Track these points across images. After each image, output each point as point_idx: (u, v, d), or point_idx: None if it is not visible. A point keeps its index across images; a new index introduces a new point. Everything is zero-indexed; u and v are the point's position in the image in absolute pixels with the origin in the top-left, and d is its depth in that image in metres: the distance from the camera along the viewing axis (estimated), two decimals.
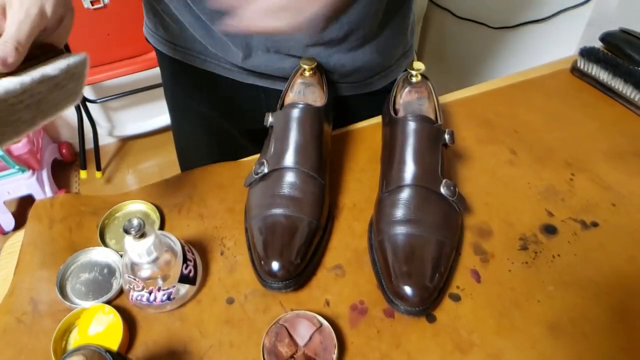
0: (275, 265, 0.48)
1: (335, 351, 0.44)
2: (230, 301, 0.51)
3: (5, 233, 1.67)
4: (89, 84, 1.74)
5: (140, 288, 0.47)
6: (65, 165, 1.93)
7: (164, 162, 1.94)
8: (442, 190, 0.52)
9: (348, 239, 0.55)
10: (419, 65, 0.59)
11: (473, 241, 0.54)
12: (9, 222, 1.66)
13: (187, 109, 0.78)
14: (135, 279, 0.46)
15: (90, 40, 1.55)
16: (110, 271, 0.53)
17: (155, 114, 1.98)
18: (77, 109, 1.76)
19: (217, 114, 0.76)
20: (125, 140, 2.04)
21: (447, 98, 0.73)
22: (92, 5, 1.46)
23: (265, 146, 0.58)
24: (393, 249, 0.49)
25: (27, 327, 0.49)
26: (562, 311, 0.48)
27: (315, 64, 0.60)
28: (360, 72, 0.67)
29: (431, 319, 0.48)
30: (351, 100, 0.70)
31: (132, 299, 0.48)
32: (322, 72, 0.62)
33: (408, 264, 0.48)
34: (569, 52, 0.83)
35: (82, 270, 0.53)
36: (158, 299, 0.47)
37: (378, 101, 0.66)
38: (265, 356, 0.44)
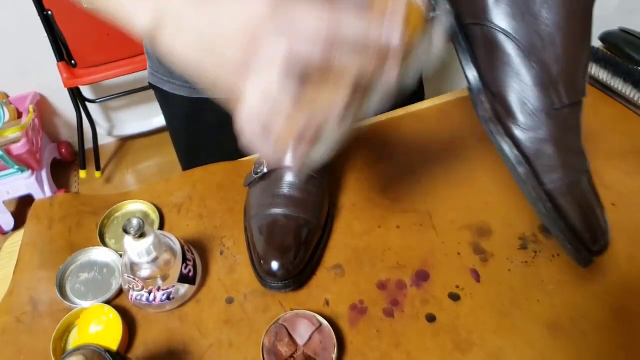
0: (274, 265, 0.48)
1: (335, 351, 0.44)
2: (229, 301, 0.51)
3: (4, 233, 1.67)
4: (88, 84, 1.75)
5: (139, 288, 0.47)
6: (64, 165, 1.93)
7: (164, 162, 1.93)
8: None
9: (348, 239, 0.55)
10: None
11: (472, 241, 0.54)
12: (8, 222, 1.66)
13: (207, 146, 0.75)
14: (134, 279, 0.46)
15: (90, 40, 1.55)
16: (110, 271, 0.53)
17: (154, 114, 1.97)
18: (77, 108, 1.76)
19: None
20: (125, 140, 2.04)
21: (447, 98, 0.72)
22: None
23: None
24: None
25: (26, 327, 0.49)
26: (561, 310, 0.48)
27: None
28: None
29: (431, 319, 0.48)
30: None
31: (131, 298, 0.48)
32: None
33: None
34: None
35: (81, 270, 0.53)
36: (158, 299, 0.47)
37: None
38: (265, 356, 0.44)
